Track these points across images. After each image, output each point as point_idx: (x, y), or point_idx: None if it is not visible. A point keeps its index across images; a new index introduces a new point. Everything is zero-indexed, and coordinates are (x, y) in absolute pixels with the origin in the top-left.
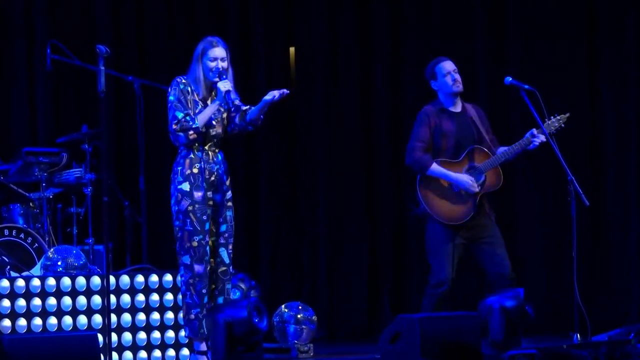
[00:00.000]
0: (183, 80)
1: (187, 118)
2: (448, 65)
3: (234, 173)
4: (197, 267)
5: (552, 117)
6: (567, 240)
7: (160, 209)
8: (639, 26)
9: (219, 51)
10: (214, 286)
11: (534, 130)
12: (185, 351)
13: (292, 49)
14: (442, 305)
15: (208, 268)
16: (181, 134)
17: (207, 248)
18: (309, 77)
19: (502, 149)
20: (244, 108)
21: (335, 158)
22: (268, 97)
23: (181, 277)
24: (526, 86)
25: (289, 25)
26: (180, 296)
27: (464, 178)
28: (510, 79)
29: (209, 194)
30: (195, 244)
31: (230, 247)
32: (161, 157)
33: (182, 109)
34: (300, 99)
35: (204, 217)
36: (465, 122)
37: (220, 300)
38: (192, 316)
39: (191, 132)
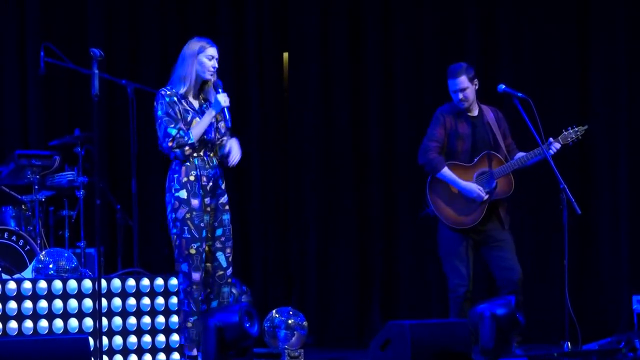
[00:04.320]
0: (168, 92)
1: (181, 133)
2: (453, 84)
3: (225, 178)
4: (195, 275)
5: (569, 128)
6: (558, 248)
7: (151, 212)
8: (630, 31)
9: (214, 51)
10: (209, 290)
11: (551, 139)
12: (175, 355)
13: (285, 55)
14: (469, 307)
15: (203, 275)
16: (177, 150)
17: (204, 255)
18: (301, 83)
19: (519, 154)
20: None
21: (326, 164)
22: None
23: (179, 284)
24: (520, 94)
25: (281, 31)
26: (172, 300)
27: (472, 187)
28: (504, 86)
29: (206, 200)
30: (193, 251)
31: (229, 250)
32: (153, 161)
33: (173, 123)
34: (292, 105)
35: (202, 225)
36: (481, 126)
37: (215, 304)
38: (190, 324)
39: (187, 147)
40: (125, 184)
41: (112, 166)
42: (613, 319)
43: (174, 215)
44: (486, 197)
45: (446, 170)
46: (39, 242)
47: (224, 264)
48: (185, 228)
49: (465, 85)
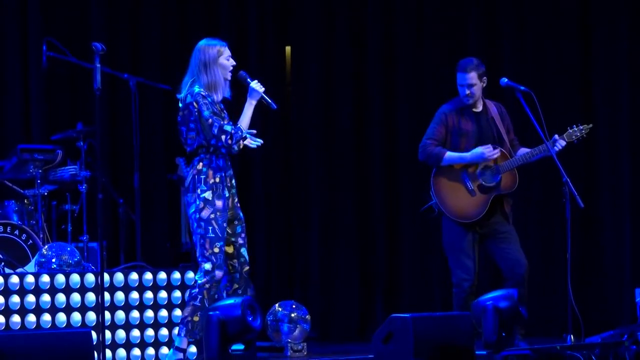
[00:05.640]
0: (204, 93)
1: (235, 129)
2: (461, 78)
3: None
4: (218, 273)
5: (574, 126)
6: (561, 242)
7: (154, 206)
8: (633, 30)
9: (228, 50)
10: (236, 286)
11: (556, 136)
12: None
13: (288, 48)
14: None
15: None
16: (235, 146)
17: (223, 254)
18: (302, 77)
19: (522, 150)
20: None
21: (328, 159)
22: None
23: (198, 279)
24: (522, 87)
25: (283, 24)
26: (174, 294)
27: (479, 150)
28: (506, 80)
29: (229, 201)
30: (217, 250)
31: (246, 246)
32: (155, 155)
33: (223, 121)
34: (294, 99)
35: (224, 225)
36: (485, 122)
37: None
38: (197, 317)
39: (241, 141)
40: (127, 178)
41: (115, 160)
42: (616, 312)
43: (198, 216)
44: (497, 152)
45: (449, 154)
46: (41, 236)
47: (248, 259)
48: (210, 228)
49: (474, 82)
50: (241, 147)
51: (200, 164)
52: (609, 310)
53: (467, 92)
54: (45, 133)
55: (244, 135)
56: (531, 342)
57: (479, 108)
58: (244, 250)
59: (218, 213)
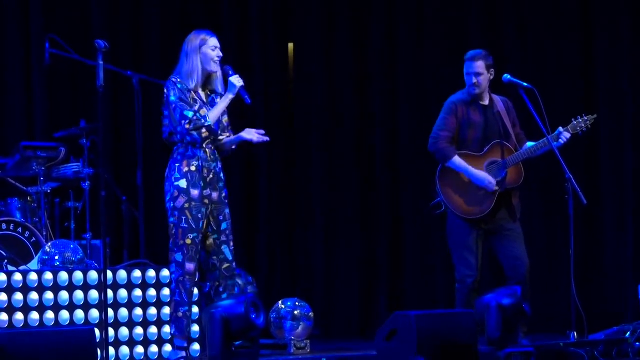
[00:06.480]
0: (179, 80)
1: (198, 115)
2: (469, 67)
3: (232, 170)
4: (189, 265)
5: (578, 117)
6: (564, 238)
7: (157, 203)
8: (633, 30)
9: (215, 41)
10: (217, 284)
11: (561, 128)
12: None
13: (290, 45)
14: (476, 298)
15: (197, 266)
16: (194, 132)
17: (199, 247)
18: (305, 74)
19: (528, 144)
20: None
21: (331, 155)
22: (246, 135)
23: (172, 274)
24: (525, 84)
25: (285, 21)
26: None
27: (484, 176)
28: (509, 76)
29: (206, 192)
30: (189, 241)
31: (232, 244)
32: (158, 152)
33: (189, 107)
34: (297, 97)
35: (199, 216)
36: (492, 116)
37: (225, 297)
38: (180, 314)
39: (204, 129)
40: (130, 175)
41: (118, 157)
42: (619, 309)
43: (172, 204)
44: (496, 188)
45: (457, 159)
46: (44, 233)
47: (230, 257)
48: (183, 218)
49: (481, 71)
50: (203, 135)
51: (177, 152)
52: (612, 307)
53: (474, 80)
54: (48, 130)
55: (206, 124)
56: (534, 339)
57: (486, 101)
58: (225, 248)
59: (193, 203)
